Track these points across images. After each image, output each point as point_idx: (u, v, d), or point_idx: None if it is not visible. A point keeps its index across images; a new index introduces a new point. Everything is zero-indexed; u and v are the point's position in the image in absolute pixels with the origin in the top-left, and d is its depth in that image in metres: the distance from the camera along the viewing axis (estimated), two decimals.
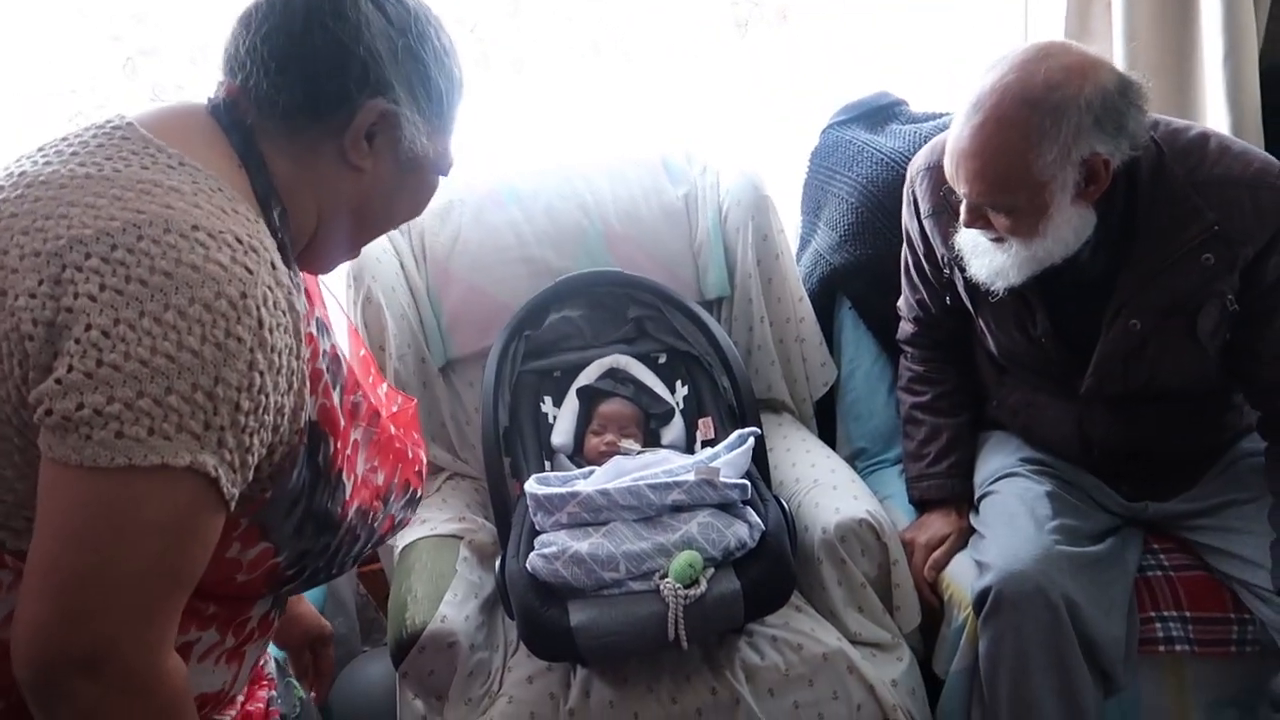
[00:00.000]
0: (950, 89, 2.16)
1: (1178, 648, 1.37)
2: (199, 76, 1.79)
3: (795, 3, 2.06)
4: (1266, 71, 1.97)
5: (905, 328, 1.69)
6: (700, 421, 1.71)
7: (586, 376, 1.74)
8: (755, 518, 1.38)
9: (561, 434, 1.70)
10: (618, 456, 1.57)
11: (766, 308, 1.84)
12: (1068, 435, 1.48)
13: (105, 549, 0.70)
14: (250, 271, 0.74)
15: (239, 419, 0.73)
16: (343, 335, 1.02)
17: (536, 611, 1.31)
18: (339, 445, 0.88)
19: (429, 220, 1.82)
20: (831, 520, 1.48)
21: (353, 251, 0.98)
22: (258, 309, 0.74)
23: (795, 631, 1.43)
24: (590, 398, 1.72)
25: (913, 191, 1.53)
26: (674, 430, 1.72)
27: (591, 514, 1.38)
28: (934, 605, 1.49)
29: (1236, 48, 1.85)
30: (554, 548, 1.34)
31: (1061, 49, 1.24)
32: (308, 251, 0.92)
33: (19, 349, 0.72)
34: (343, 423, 0.89)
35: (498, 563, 1.42)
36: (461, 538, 1.58)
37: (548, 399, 1.76)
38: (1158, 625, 1.38)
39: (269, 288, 0.76)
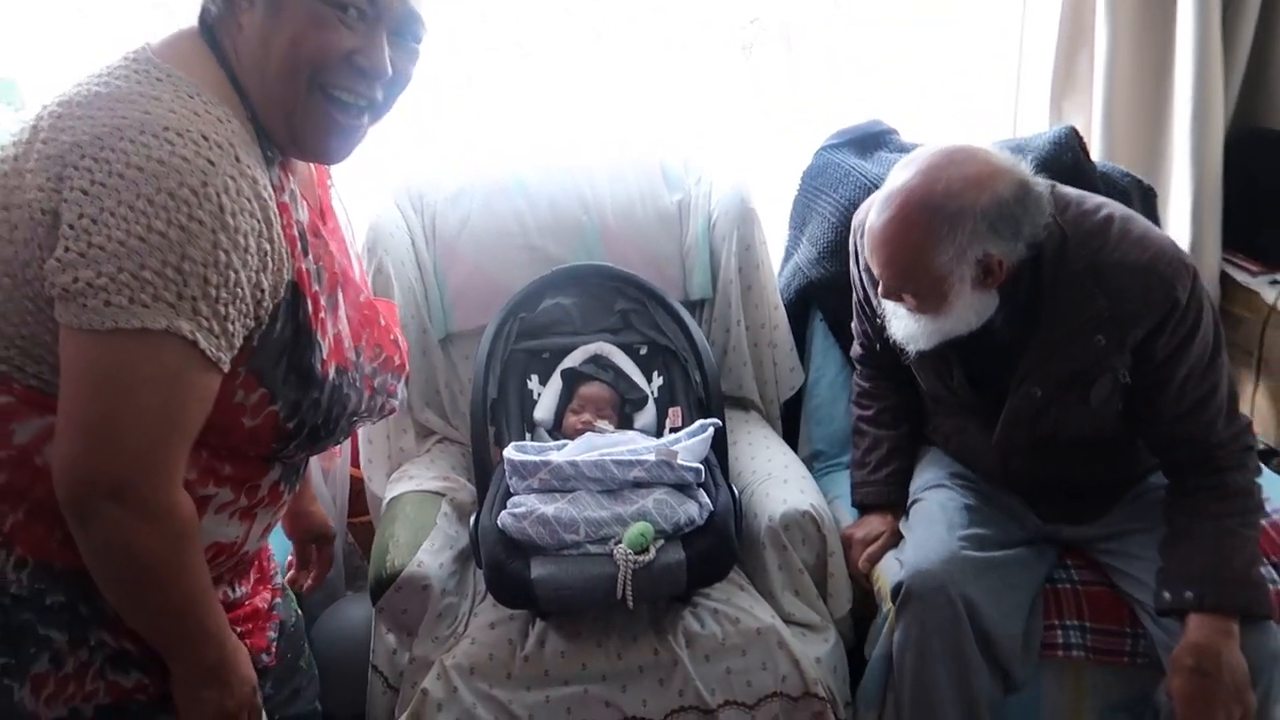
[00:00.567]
0: (946, 112, 2.27)
1: (1074, 653, 1.48)
2: None
3: (799, 28, 2.17)
4: (1237, 136, 2.08)
5: (856, 348, 1.81)
6: (670, 410, 1.84)
7: (572, 360, 1.87)
8: (706, 499, 1.52)
9: (544, 410, 1.84)
10: (590, 434, 1.71)
11: (744, 312, 1.95)
12: (991, 464, 1.58)
13: (112, 399, 0.86)
14: (212, 164, 0.87)
15: (209, 290, 0.87)
16: (327, 218, 1.12)
17: (502, 562, 1.45)
18: (312, 305, 1.00)
19: (441, 203, 1.96)
20: (778, 510, 1.61)
21: (314, 126, 0.99)
22: (218, 195, 0.86)
23: (735, 607, 1.56)
24: (573, 379, 1.85)
25: (856, 242, 1.62)
26: (646, 416, 1.84)
27: (560, 481, 1.53)
28: (869, 590, 1.61)
29: (1203, 111, 1.96)
30: (523, 508, 1.48)
31: (967, 158, 1.32)
32: (281, 139, 0.99)
33: (35, 232, 0.87)
34: (312, 284, 1.01)
35: (473, 518, 1.57)
36: (444, 495, 1.72)
37: (534, 377, 1.89)
38: (1059, 631, 1.49)
39: (230, 178, 0.88)
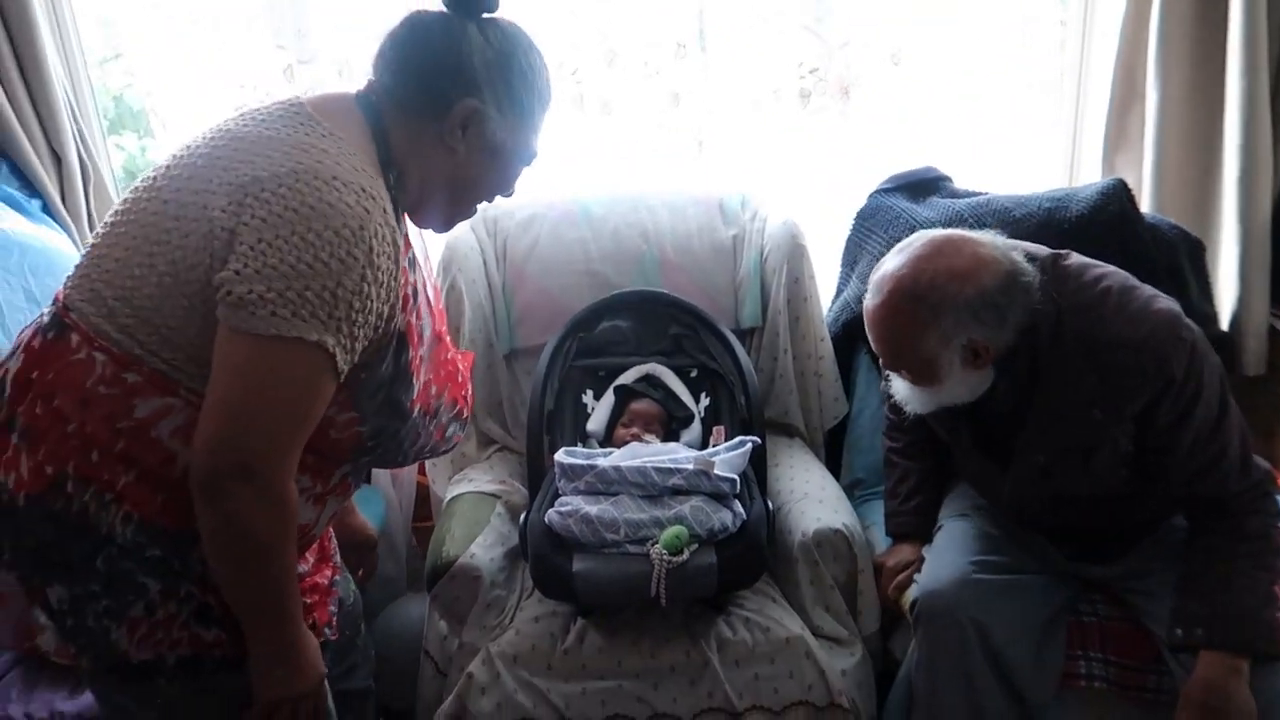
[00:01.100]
0: (995, 163, 2.33)
1: (1096, 684, 1.50)
2: (341, 86, 2.13)
3: (856, 79, 2.27)
4: None
5: (882, 385, 1.83)
6: (715, 429, 1.93)
7: (626, 378, 1.98)
8: (740, 508, 1.61)
9: (596, 422, 1.95)
10: (635, 443, 1.81)
11: (791, 342, 2.04)
12: (1010, 511, 1.59)
13: (257, 392, 1.00)
14: (368, 212, 1.02)
15: (352, 315, 1.02)
16: (428, 286, 1.28)
17: (547, 556, 1.56)
18: (414, 353, 1.15)
19: (513, 228, 2.10)
20: (811, 527, 1.68)
21: (449, 215, 1.22)
22: (369, 239, 1.01)
23: (766, 617, 1.63)
24: (625, 395, 1.96)
25: None
26: (692, 433, 1.94)
27: (605, 485, 1.63)
28: (903, 616, 1.65)
29: (1251, 169, 1.97)
30: (569, 507, 1.60)
31: (955, 250, 1.35)
32: (414, 210, 1.19)
33: (210, 244, 1.01)
34: (417, 338, 1.16)
35: (523, 516, 1.68)
36: (499, 497, 1.84)
37: (589, 392, 2.01)
38: (1082, 662, 1.51)
39: (379, 225, 1.03)
